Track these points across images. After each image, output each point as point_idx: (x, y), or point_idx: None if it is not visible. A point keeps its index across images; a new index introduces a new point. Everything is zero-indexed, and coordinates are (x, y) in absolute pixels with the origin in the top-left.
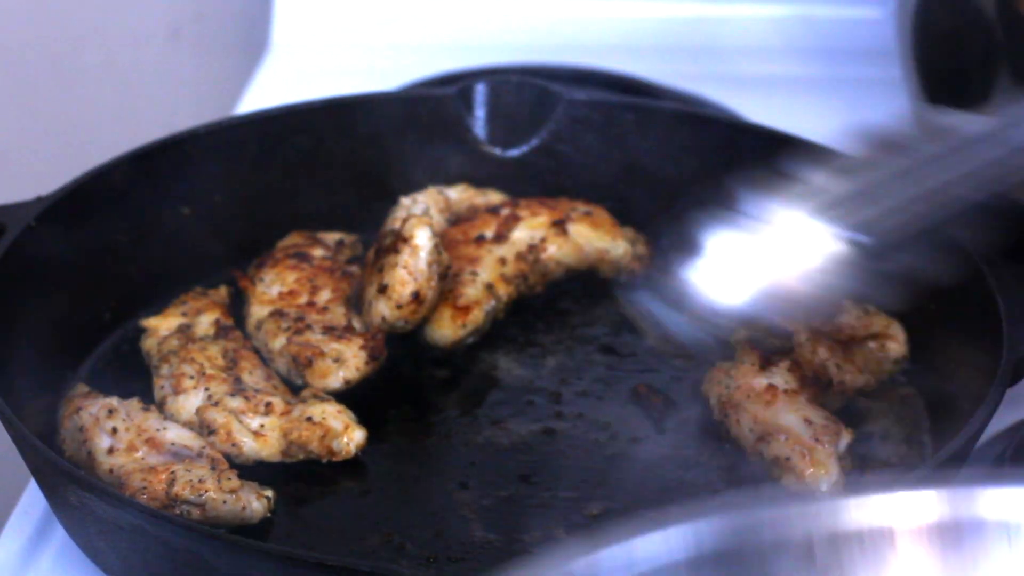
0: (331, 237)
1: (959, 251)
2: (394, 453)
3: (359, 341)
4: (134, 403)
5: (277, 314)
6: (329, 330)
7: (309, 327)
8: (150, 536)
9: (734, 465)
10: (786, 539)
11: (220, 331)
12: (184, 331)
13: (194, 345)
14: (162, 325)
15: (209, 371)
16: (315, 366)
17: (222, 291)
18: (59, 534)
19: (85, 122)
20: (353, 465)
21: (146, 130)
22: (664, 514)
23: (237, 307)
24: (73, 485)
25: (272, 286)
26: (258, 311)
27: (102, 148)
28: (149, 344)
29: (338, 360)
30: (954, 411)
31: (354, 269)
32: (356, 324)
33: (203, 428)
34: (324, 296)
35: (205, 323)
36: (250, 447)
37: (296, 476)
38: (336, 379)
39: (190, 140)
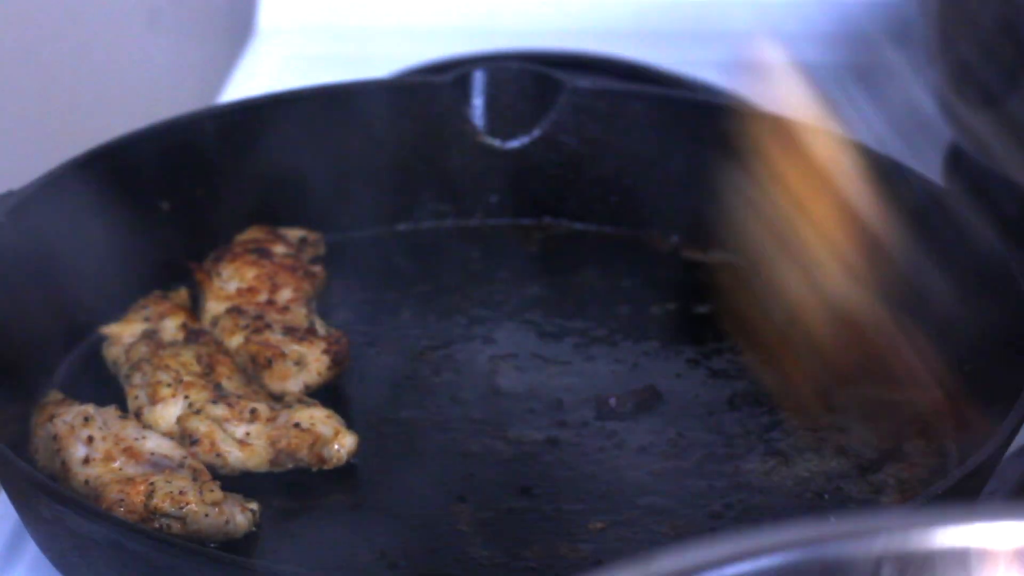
0: (294, 233)
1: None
2: (387, 464)
3: (322, 344)
4: (111, 411)
5: (235, 311)
6: (290, 331)
7: (269, 326)
8: (127, 551)
9: (744, 476)
10: (851, 557)
11: (190, 335)
12: (151, 337)
13: (165, 351)
14: (125, 332)
15: (186, 378)
16: (274, 368)
17: (183, 293)
18: (31, 549)
19: (58, 112)
20: (344, 477)
21: (124, 120)
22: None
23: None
24: (46, 497)
25: (230, 282)
26: (214, 307)
27: (76, 139)
28: (115, 353)
29: (299, 363)
30: (981, 418)
31: (317, 269)
32: (319, 327)
33: (185, 438)
34: (285, 295)
35: (171, 327)
36: (236, 457)
37: (284, 488)
38: (295, 383)
39: (170, 131)
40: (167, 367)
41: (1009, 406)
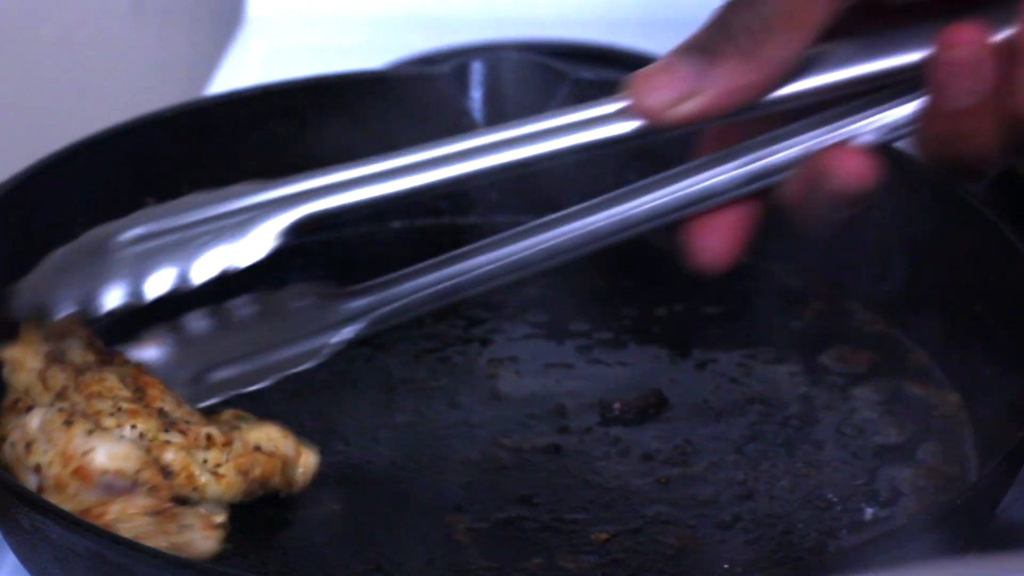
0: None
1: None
2: (382, 472)
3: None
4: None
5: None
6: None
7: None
8: (110, 563)
9: (754, 484)
10: None
11: (104, 356)
12: (60, 360)
13: (86, 376)
14: (27, 355)
15: (124, 405)
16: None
17: None
18: (10, 561)
19: (40, 104)
20: (336, 485)
21: (107, 113)
22: None
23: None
24: (25, 507)
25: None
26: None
27: (59, 133)
28: (25, 380)
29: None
30: (1002, 424)
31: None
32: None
33: (163, 472)
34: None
35: (77, 347)
36: (214, 491)
37: (273, 496)
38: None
39: (156, 124)
40: (99, 395)
41: None
